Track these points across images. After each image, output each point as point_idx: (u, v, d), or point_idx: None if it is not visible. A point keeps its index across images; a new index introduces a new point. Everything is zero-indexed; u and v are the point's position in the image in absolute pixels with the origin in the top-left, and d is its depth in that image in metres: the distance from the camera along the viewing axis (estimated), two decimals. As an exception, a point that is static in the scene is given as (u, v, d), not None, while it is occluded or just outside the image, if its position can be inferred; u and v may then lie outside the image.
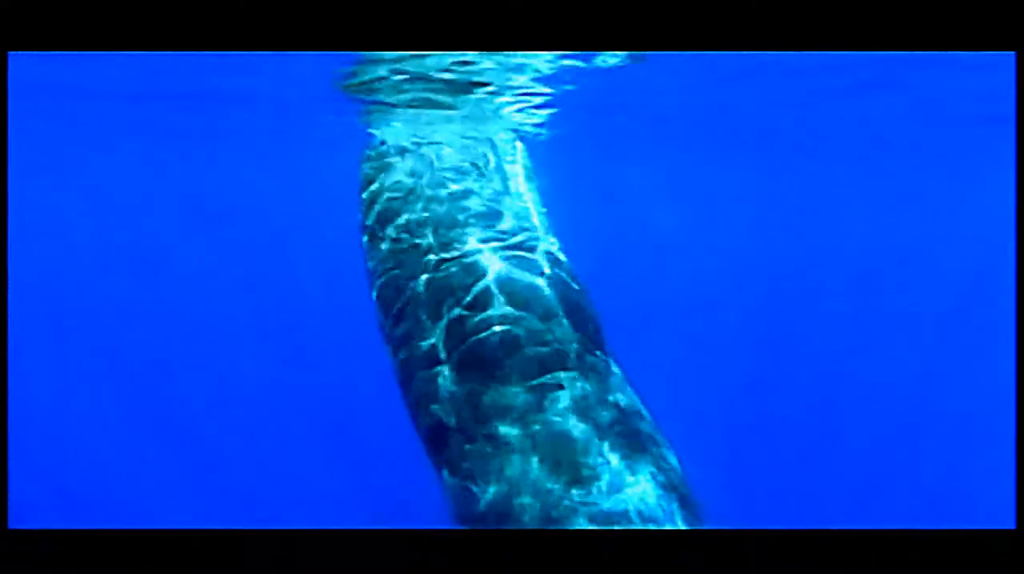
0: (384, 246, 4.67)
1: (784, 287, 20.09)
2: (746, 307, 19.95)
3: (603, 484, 3.61)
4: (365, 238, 4.85)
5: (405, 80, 6.46)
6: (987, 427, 14.21)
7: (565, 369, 3.99)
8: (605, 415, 3.87)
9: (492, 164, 5.37)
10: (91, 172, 16.23)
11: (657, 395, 4.25)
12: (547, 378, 3.94)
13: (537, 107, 7.70)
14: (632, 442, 3.80)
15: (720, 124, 9.80)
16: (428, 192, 4.90)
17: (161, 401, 15.80)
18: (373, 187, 5.08)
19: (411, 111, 7.42)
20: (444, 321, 4.19)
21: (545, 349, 4.03)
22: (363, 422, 12.54)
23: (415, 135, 7.22)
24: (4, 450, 3.68)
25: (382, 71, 6.18)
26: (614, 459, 3.69)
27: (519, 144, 5.97)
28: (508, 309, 4.15)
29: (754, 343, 18.16)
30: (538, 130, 8.53)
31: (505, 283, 4.27)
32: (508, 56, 5.77)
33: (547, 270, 4.44)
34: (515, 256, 4.45)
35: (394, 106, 7.37)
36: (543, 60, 5.92)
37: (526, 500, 3.60)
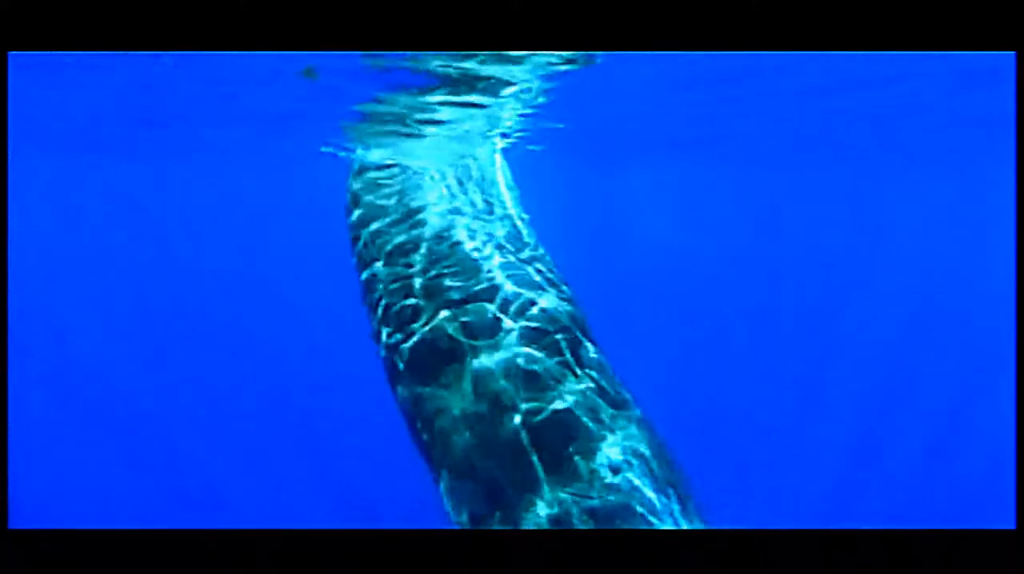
0: (376, 258, 4.80)
1: (783, 287, 20.12)
2: (745, 307, 19.97)
3: (604, 478, 3.63)
4: (356, 250, 4.98)
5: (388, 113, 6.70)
6: (988, 427, 14.22)
7: (563, 368, 4.04)
8: (605, 412, 3.91)
9: (475, 176, 5.58)
10: (92, 174, 16.26)
11: (638, 397, 4.29)
12: (545, 379, 3.96)
13: (517, 122, 7.88)
14: (630, 435, 3.84)
15: (712, 126, 9.79)
16: (415, 205, 5.06)
17: (161, 401, 15.81)
18: (360, 203, 5.25)
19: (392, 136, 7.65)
20: (437, 326, 4.26)
21: (541, 352, 4.08)
22: (357, 426, 12.58)
23: (396, 153, 7.42)
24: (4, 450, 3.68)
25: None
26: (614, 453, 3.71)
27: (498, 157, 6.30)
28: (500, 314, 4.23)
29: (746, 345, 18.20)
30: (516, 141, 8.66)
31: (497, 289, 4.37)
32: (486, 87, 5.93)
33: (536, 276, 4.56)
34: (505, 262, 4.59)
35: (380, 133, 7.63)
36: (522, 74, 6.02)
37: (528, 497, 3.61)
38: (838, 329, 19.44)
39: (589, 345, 4.27)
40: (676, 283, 19.68)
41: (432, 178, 5.43)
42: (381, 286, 4.62)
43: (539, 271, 4.64)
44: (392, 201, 5.17)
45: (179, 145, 11.20)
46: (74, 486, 12.88)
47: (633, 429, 3.89)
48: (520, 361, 4.03)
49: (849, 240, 22.38)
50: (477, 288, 4.38)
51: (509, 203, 5.38)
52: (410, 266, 4.64)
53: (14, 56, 5.03)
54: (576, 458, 3.68)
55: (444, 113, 6.89)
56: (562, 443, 3.73)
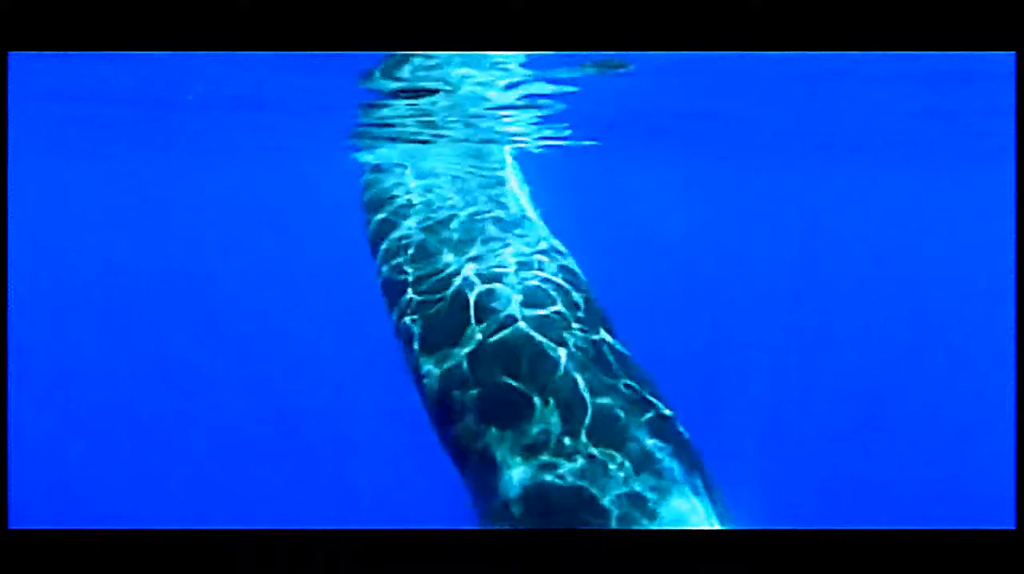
0: (397, 255, 4.87)
1: (783, 287, 20.12)
2: (745, 307, 19.97)
3: (633, 462, 3.67)
4: (379, 251, 5.04)
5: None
6: (987, 427, 14.21)
7: (583, 358, 4.07)
8: (630, 398, 3.94)
9: (488, 173, 5.82)
10: (91, 173, 16.25)
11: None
12: (569, 370, 3.99)
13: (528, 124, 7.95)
14: (655, 424, 3.87)
15: (716, 126, 9.81)
16: (436, 203, 5.22)
17: (161, 401, 15.81)
18: (378, 203, 5.37)
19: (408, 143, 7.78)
20: (460, 323, 4.29)
21: (561, 348, 4.10)
22: (380, 423, 12.60)
23: (408, 155, 7.56)
24: (4, 450, 3.68)
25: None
26: (643, 436, 3.77)
27: (508, 157, 6.51)
28: (523, 308, 4.27)
29: (747, 345, 18.21)
30: (525, 141, 8.74)
31: (518, 282, 4.43)
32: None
33: (554, 267, 4.63)
34: (525, 256, 4.68)
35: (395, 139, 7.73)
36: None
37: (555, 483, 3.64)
38: (838, 329, 19.45)
39: (611, 334, 4.34)
40: (694, 285, 19.75)
41: (449, 178, 5.57)
42: (405, 288, 4.66)
43: (554, 260, 4.73)
44: (411, 201, 5.29)
45: (186, 142, 11.22)
46: (74, 486, 12.88)
47: (657, 420, 3.93)
48: (542, 352, 4.06)
49: (850, 240, 22.38)
50: (493, 283, 4.43)
51: (525, 202, 5.50)
52: (429, 254, 4.75)
53: (14, 56, 5.03)
54: (610, 438, 3.75)
55: (453, 114, 6.95)
56: (595, 425, 3.78)
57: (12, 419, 5.07)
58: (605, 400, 3.88)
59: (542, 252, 4.79)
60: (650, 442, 3.76)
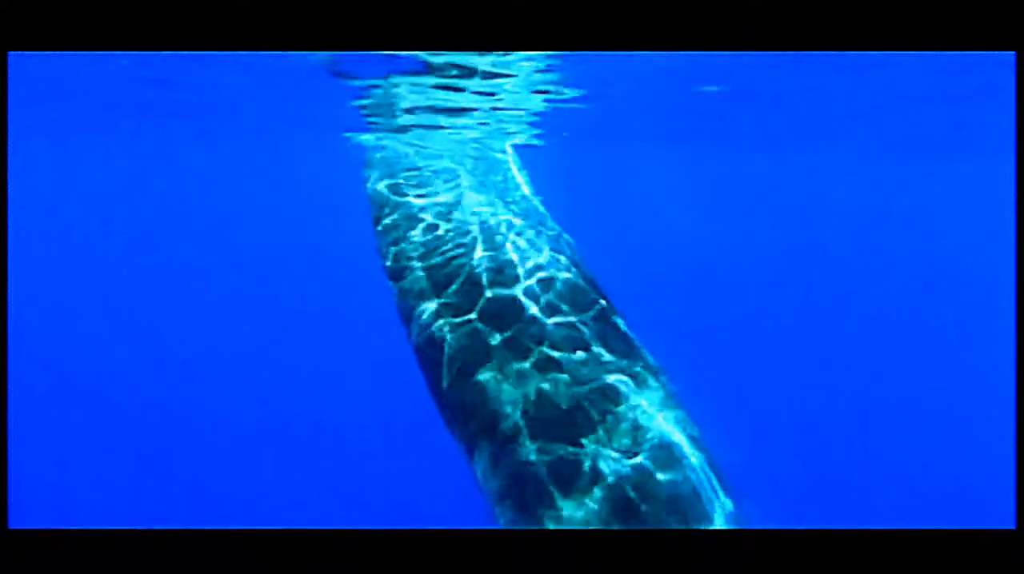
0: (402, 243, 4.94)
1: (782, 287, 20.11)
2: (744, 307, 19.96)
3: (652, 437, 3.71)
4: (383, 238, 5.08)
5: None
6: (987, 427, 14.21)
7: (592, 336, 4.15)
8: (642, 378, 4.00)
9: (490, 161, 5.87)
10: (91, 172, 16.25)
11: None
12: (578, 351, 4.04)
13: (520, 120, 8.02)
14: (666, 400, 3.94)
15: (716, 119, 9.82)
16: (441, 188, 5.33)
17: (160, 401, 15.81)
18: (381, 190, 5.42)
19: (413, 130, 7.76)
20: (469, 304, 4.36)
21: (570, 331, 4.16)
22: (383, 418, 12.58)
23: (412, 145, 7.59)
24: (4, 450, 3.68)
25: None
26: (653, 411, 3.83)
27: (508, 147, 6.64)
28: (533, 287, 4.38)
29: (742, 342, 18.20)
30: (524, 134, 8.78)
31: (523, 262, 4.56)
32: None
33: (562, 251, 4.76)
34: (530, 240, 4.80)
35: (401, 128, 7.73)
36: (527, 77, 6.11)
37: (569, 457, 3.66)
38: (837, 329, 19.44)
39: (617, 316, 4.39)
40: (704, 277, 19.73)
41: (451, 169, 5.62)
42: (415, 278, 4.70)
43: (559, 244, 4.84)
44: (415, 193, 5.35)
45: (192, 135, 11.20)
46: (74, 486, 12.88)
47: (670, 409, 3.95)
48: (551, 332, 4.11)
49: (851, 241, 22.38)
50: (511, 272, 4.51)
51: (522, 184, 5.61)
52: (436, 237, 4.84)
53: (14, 56, 5.03)
54: (621, 422, 3.76)
55: (456, 102, 6.93)
56: (606, 405, 3.81)
57: (12, 419, 5.07)
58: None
59: (538, 227, 4.96)
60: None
